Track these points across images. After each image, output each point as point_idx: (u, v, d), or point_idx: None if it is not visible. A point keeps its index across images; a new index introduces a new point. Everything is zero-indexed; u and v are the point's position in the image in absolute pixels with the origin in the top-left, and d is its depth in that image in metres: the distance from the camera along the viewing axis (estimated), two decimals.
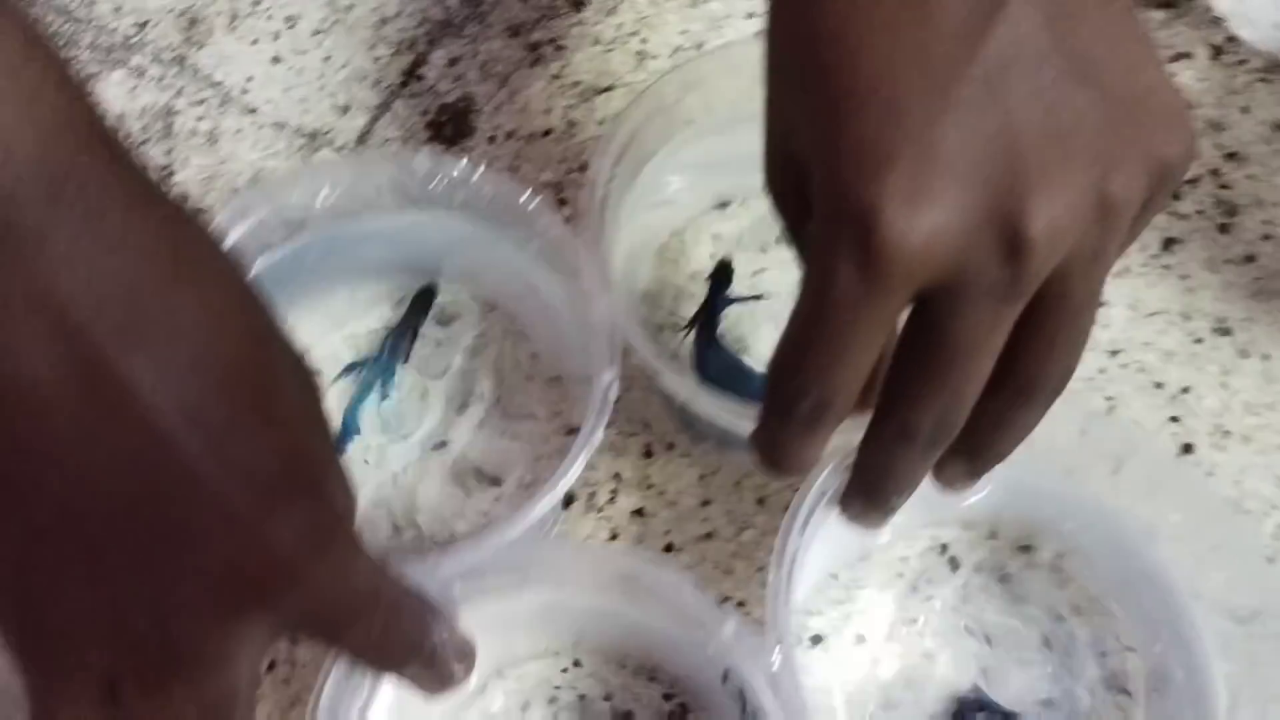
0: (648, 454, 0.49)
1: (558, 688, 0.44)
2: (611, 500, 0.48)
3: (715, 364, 0.48)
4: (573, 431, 0.48)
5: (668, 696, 0.43)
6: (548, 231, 0.45)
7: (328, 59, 0.60)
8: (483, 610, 0.38)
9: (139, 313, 0.25)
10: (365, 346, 0.51)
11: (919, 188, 0.26)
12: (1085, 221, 0.28)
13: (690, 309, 0.50)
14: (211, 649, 0.27)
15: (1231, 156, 0.54)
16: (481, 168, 0.45)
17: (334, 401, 0.50)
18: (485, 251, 0.47)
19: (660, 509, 0.48)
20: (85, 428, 0.25)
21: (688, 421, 0.48)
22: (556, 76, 0.58)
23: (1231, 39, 0.57)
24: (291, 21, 0.61)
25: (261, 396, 0.28)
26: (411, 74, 0.59)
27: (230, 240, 0.44)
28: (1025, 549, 0.46)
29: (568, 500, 0.48)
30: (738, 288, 0.50)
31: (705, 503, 0.48)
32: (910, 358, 0.30)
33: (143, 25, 0.61)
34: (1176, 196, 0.53)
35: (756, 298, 0.50)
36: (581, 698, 0.43)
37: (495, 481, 0.48)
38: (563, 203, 0.54)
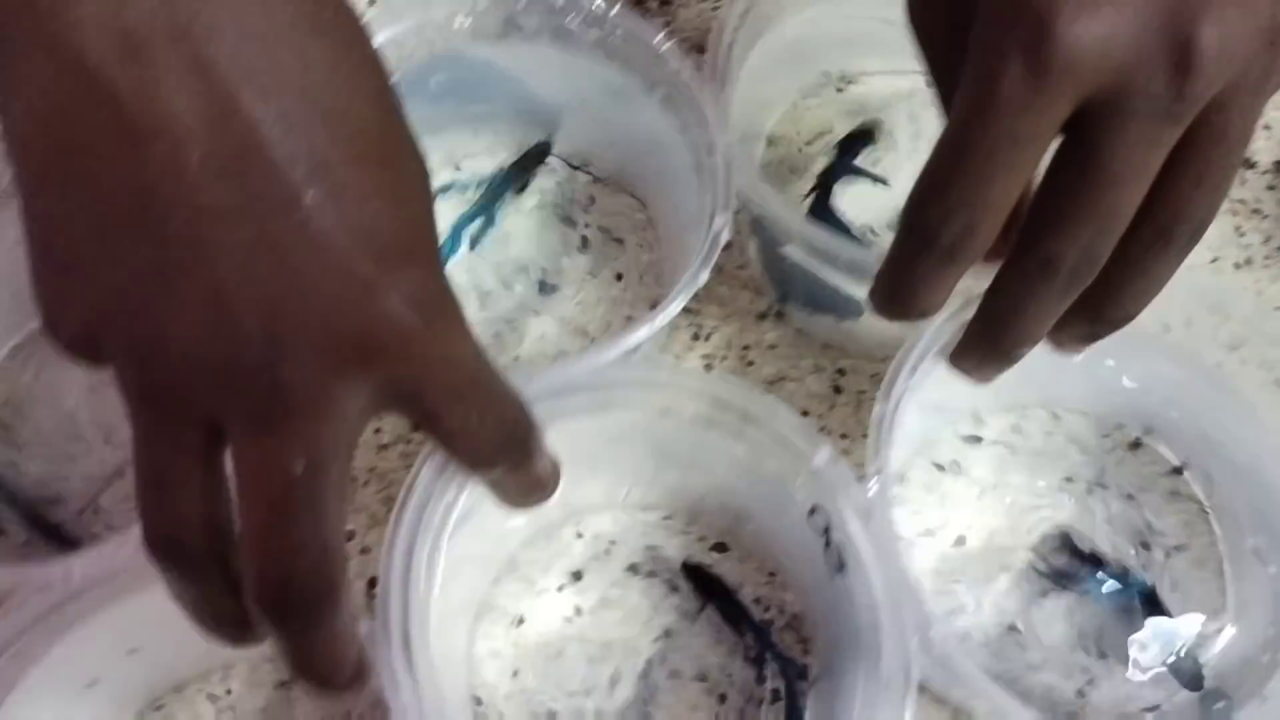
0: (748, 313, 0.50)
1: (630, 530, 0.44)
2: (707, 339, 0.49)
3: (825, 224, 0.48)
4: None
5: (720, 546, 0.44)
6: (677, 76, 0.45)
7: None
8: (568, 432, 0.39)
9: (274, 60, 0.26)
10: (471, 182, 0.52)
11: None
12: (1255, 47, 0.27)
13: (804, 176, 0.50)
14: (320, 399, 0.27)
15: None
16: (618, 4, 0.45)
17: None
18: (610, 93, 0.48)
19: (757, 358, 0.49)
20: (215, 166, 0.25)
21: (788, 280, 0.49)
22: None
23: None
24: None
25: (386, 162, 0.28)
26: None
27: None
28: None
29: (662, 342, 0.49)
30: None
31: (796, 364, 0.49)
32: (1060, 184, 0.30)
33: None
34: None
35: (881, 180, 0.50)
36: (651, 549, 0.44)
37: (591, 333, 0.49)
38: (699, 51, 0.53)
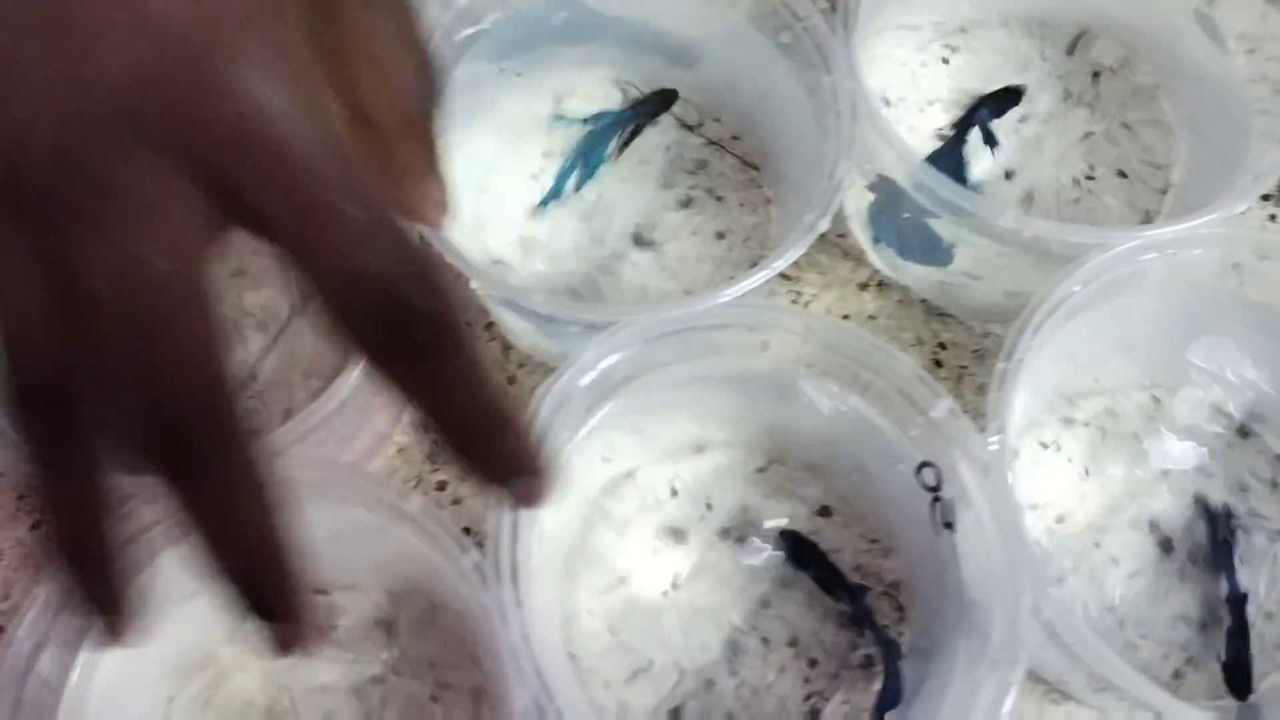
0: (848, 282, 0.49)
1: (727, 486, 0.44)
2: (805, 307, 0.48)
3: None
4: None
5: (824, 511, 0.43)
6: (807, 19, 0.44)
7: None
8: (665, 375, 0.39)
9: None
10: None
11: None
12: None
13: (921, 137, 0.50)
14: (134, 190, 0.21)
15: None
16: None
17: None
18: (735, 38, 0.47)
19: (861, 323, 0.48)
20: None
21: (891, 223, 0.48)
22: None
23: None
24: None
25: None
26: None
27: None
28: None
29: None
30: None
31: (897, 335, 0.48)
32: None
33: None
34: None
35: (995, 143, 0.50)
36: (748, 510, 0.44)
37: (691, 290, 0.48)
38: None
